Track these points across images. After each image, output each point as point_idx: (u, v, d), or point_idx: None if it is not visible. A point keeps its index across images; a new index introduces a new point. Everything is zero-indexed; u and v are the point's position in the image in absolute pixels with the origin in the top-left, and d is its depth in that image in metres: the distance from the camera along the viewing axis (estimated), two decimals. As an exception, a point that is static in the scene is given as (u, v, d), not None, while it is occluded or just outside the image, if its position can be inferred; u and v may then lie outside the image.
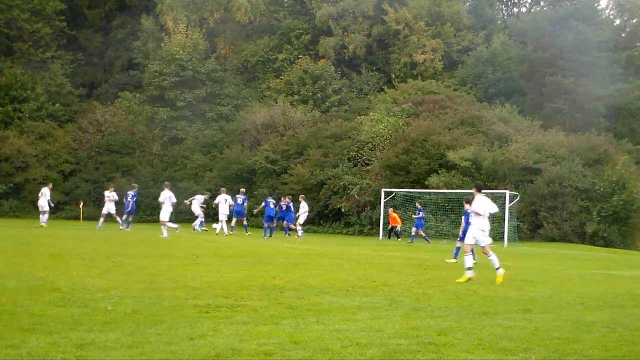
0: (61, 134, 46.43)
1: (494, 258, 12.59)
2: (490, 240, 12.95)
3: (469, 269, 12.59)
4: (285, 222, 29.74)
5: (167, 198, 24.53)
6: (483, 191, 13.45)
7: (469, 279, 12.41)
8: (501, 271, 12.52)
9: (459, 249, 18.04)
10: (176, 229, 25.76)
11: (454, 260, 17.66)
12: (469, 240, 12.91)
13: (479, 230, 12.79)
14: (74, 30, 52.49)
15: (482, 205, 12.86)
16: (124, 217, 28.75)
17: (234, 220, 28.80)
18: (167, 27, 49.72)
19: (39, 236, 21.59)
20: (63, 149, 45.58)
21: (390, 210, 31.22)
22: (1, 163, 43.54)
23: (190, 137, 46.04)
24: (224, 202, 28.29)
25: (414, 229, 28.72)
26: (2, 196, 43.11)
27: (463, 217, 18.06)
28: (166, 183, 26.52)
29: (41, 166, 44.17)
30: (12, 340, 5.89)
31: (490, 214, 13.03)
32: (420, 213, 28.39)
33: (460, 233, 17.96)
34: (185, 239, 23.86)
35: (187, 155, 45.33)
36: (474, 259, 12.85)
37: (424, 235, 28.38)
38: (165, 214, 24.39)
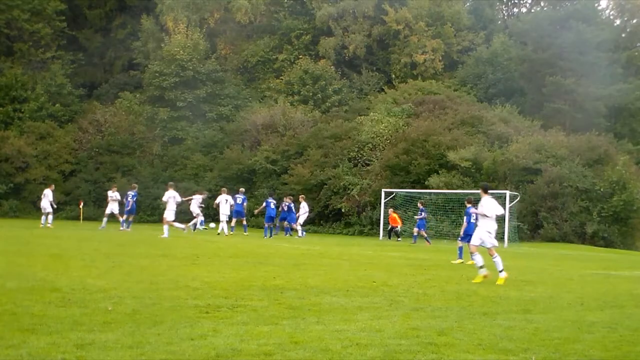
0: (61, 134, 46.40)
1: (498, 260, 12.55)
2: (495, 242, 12.90)
3: (481, 267, 12.66)
4: (286, 222, 29.77)
5: (171, 197, 24.72)
6: (490, 191, 13.46)
7: (485, 277, 12.48)
8: (504, 274, 12.48)
9: (461, 248, 18.08)
10: (183, 229, 26.08)
11: (460, 260, 17.72)
12: (475, 240, 12.91)
13: (485, 232, 12.76)
14: (74, 30, 52.48)
15: (490, 207, 12.84)
16: (124, 217, 28.92)
17: (234, 220, 28.80)
18: (167, 27, 49.69)
19: (39, 236, 21.59)
20: (63, 149, 45.55)
21: (390, 210, 31.35)
22: (1, 163, 43.52)
23: (190, 137, 46.04)
24: (224, 202, 28.20)
25: (415, 229, 28.72)
26: (2, 196, 43.12)
27: (465, 217, 18.10)
28: (170, 183, 26.98)
29: (41, 166, 44.16)
30: (12, 340, 5.88)
31: (497, 215, 13.02)
32: (422, 213, 28.40)
33: (462, 232, 18.01)
34: (185, 239, 23.85)
35: (187, 155, 45.33)
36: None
37: (425, 235, 28.38)
38: (169, 213, 24.53)
